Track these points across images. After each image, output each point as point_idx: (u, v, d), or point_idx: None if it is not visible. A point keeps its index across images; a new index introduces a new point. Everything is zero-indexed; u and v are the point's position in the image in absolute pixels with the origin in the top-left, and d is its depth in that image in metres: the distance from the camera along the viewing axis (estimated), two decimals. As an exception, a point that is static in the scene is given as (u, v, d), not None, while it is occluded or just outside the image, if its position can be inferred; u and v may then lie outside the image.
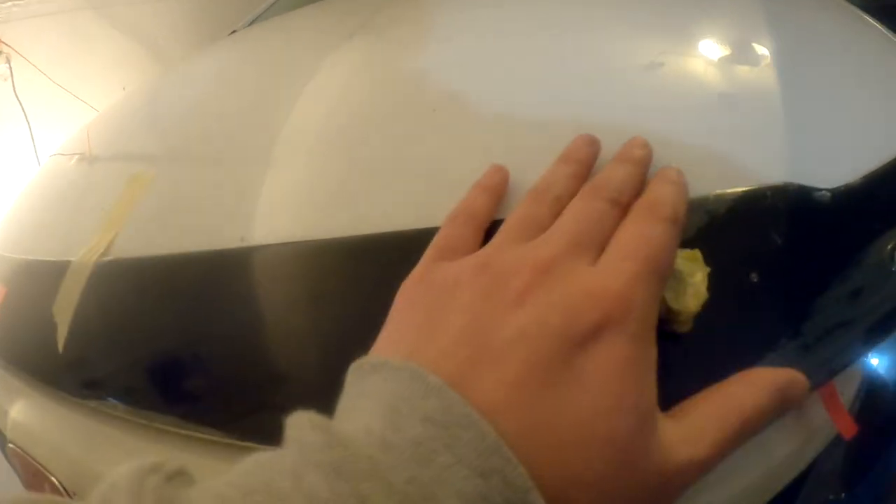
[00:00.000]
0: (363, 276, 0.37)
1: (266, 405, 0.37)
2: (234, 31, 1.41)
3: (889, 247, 0.36)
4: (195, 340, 0.40)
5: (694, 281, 0.28)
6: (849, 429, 0.32)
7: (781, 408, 0.27)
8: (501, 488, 0.19)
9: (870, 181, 0.38)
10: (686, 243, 0.30)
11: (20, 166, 2.16)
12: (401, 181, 0.42)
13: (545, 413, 0.22)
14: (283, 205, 0.45)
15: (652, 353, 0.25)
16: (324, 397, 0.30)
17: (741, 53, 0.48)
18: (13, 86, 2.10)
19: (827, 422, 0.33)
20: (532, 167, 0.34)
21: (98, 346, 0.45)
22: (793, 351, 0.30)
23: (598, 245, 0.27)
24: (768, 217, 0.33)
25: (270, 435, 0.25)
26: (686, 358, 0.28)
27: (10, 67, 2.09)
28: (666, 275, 0.26)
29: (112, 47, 2.17)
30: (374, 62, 0.61)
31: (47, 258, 0.55)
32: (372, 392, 0.23)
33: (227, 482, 0.20)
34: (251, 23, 1.44)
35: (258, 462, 0.21)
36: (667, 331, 0.28)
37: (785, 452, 0.33)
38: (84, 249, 0.49)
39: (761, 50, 0.47)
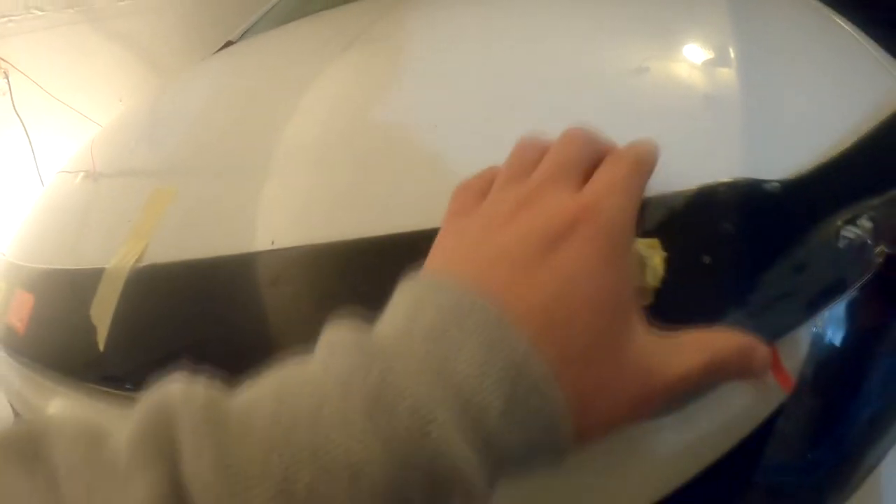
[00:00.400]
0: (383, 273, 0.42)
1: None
2: (228, 41, 1.45)
3: (836, 225, 0.41)
4: (229, 334, 0.46)
5: (653, 263, 0.33)
6: (786, 383, 0.38)
7: (742, 367, 0.33)
8: (504, 354, 0.25)
9: (820, 171, 0.43)
10: (647, 234, 0.36)
11: (22, 180, 2.20)
12: (404, 185, 0.48)
13: (534, 300, 0.27)
14: (305, 209, 0.51)
15: (624, 256, 0.31)
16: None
17: (696, 56, 0.54)
18: (12, 101, 2.14)
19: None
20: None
21: (139, 343, 0.50)
22: (740, 318, 0.36)
23: (577, 176, 0.33)
24: (721, 209, 0.39)
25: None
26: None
27: (9, 82, 2.13)
28: (636, 196, 0.33)
29: (108, 60, 2.21)
30: (372, 73, 0.66)
31: (78, 266, 0.60)
32: (401, 299, 0.29)
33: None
34: (245, 33, 1.48)
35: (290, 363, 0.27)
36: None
37: (740, 405, 0.38)
38: (116, 258, 0.55)
39: (716, 52, 0.53)
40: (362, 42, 0.82)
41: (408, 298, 0.28)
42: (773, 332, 0.37)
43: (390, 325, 0.27)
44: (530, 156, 0.35)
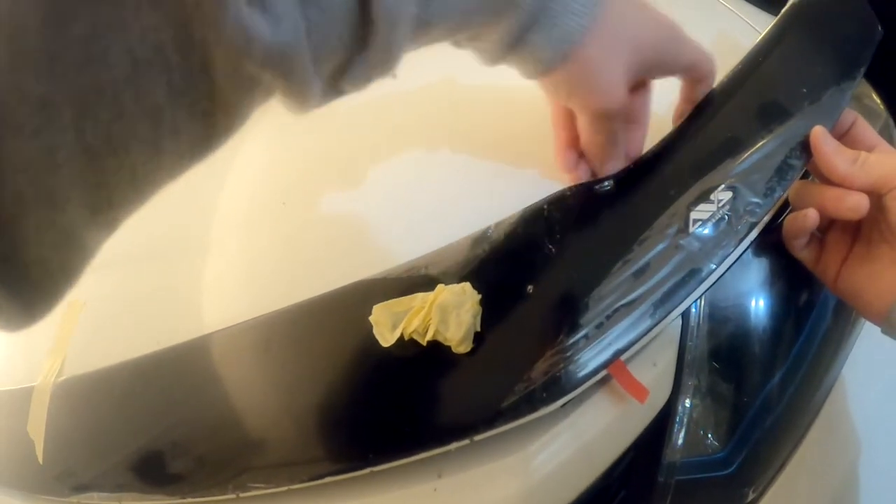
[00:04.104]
0: (248, 355, 0.45)
1: (236, 465, 0.43)
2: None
3: (685, 207, 0.39)
4: (159, 427, 0.48)
5: (459, 312, 0.36)
6: (640, 394, 0.38)
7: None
8: None
9: (658, 154, 0.42)
10: (462, 278, 0.38)
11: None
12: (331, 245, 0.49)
13: None
14: (223, 289, 0.52)
15: None
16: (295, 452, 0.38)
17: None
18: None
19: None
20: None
21: (73, 452, 0.53)
22: (573, 343, 0.36)
23: None
24: (544, 229, 0.40)
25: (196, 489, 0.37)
26: (472, 373, 0.37)
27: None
28: None
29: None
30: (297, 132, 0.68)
31: (12, 387, 0.63)
32: None
33: None
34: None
35: None
36: (454, 353, 0.36)
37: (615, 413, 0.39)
38: (41, 375, 0.58)
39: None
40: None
41: None
42: (620, 347, 0.36)
43: None
44: None
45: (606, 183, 0.41)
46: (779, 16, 0.45)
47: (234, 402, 0.45)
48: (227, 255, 0.55)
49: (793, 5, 0.45)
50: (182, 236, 0.61)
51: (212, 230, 0.60)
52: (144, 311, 0.56)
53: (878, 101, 0.54)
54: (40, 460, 0.54)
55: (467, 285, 0.37)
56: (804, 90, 0.41)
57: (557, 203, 0.41)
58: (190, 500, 0.44)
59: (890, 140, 0.48)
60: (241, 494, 0.41)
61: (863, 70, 0.43)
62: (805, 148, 0.40)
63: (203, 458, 0.44)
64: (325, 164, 0.58)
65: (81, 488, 0.51)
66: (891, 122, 0.52)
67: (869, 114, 0.52)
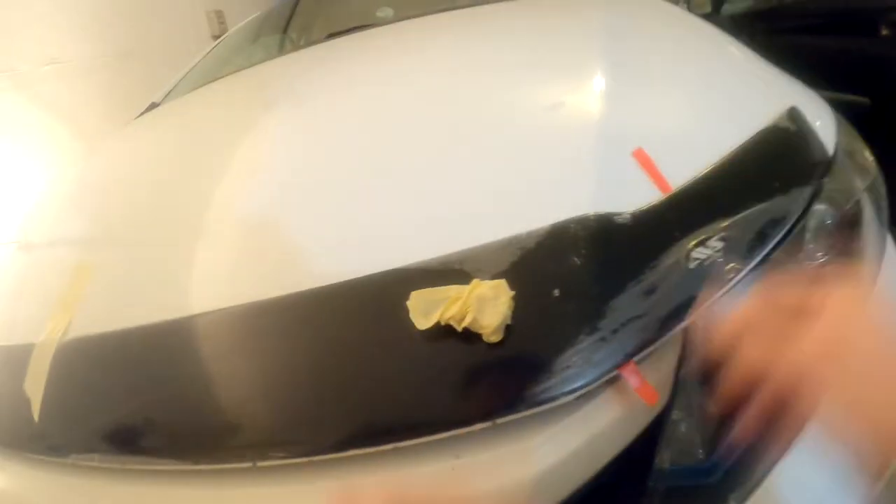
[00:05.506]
0: (288, 329, 0.48)
1: (215, 432, 0.46)
2: (153, 103, 1.48)
3: (687, 248, 0.46)
4: (154, 393, 0.49)
5: (496, 304, 0.39)
6: (649, 396, 0.42)
7: None
8: None
9: (671, 200, 0.49)
10: (495, 276, 0.41)
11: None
12: (321, 244, 0.53)
13: None
14: (216, 275, 0.55)
15: None
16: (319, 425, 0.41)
17: (561, 95, 0.60)
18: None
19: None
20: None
21: (71, 411, 0.53)
22: (592, 344, 0.41)
23: None
24: (570, 244, 0.45)
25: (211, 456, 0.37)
26: (501, 360, 0.40)
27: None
28: None
29: (33, 124, 2.20)
30: (295, 131, 0.71)
31: (15, 343, 0.63)
32: None
33: None
34: (168, 94, 1.51)
35: None
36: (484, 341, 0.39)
37: (609, 419, 0.43)
38: (44, 333, 0.58)
39: (582, 97, 0.59)
40: (282, 102, 0.87)
41: None
42: (627, 353, 0.41)
43: None
44: None
45: (625, 215, 0.47)
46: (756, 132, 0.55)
47: (262, 373, 0.47)
48: (258, 231, 0.58)
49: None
50: (203, 217, 0.64)
51: (238, 208, 0.63)
52: (162, 280, 0.57)
53: (869, 157, 0.61)
54: (36, 418, 0.54)
55: (503, 282, 0.41)
56: (776, 184, 0.51)
57: (583, 223, 0.46)
58: (204, 466, 0.45)
59: (877, 194, 0.55)
60: (260, 463, 0.43)
61: (814, 185, 0.52)
62: (777, 223, 0.48)
63: (221, 424, 0.46)
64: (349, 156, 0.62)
65: (81, 449, 0.51)
66: (880, 178, 0.59)
67: (859, 170, 0.59)
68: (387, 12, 1.46)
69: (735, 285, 0.45)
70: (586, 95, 0.61)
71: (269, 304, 0.49)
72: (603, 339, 0.42)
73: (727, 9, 3.47)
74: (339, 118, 0.74)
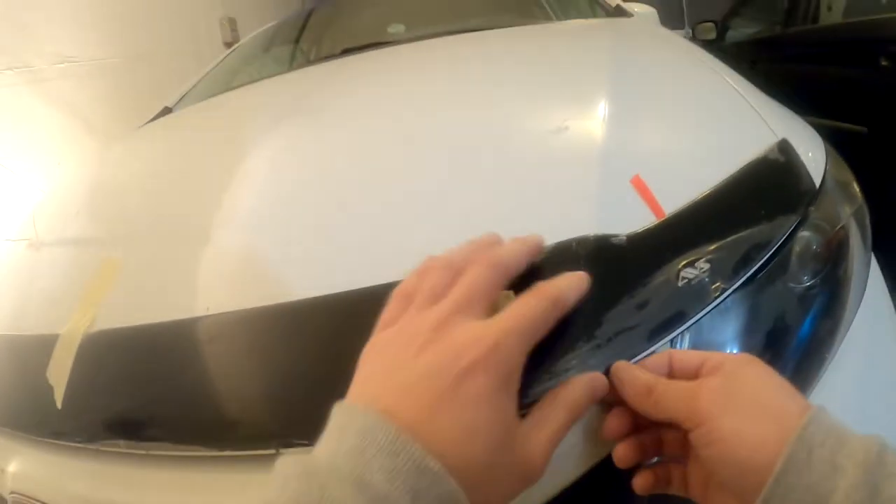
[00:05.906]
0: (302, 333, 0.51)
1: (232, 421, 0.49)
2: (166, 108, 1.52)
3: (677, 268, 0.50)
4: (174, 385, 0.53)
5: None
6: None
7: (593, 398, 0.42)
8: (406, 457, 0.32)
9: (664, 225, 0.53)
10: (506, 287, 0.45)
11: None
12: (332, 252, 0.56)
13: (446, 423, 0.34)
14: (236, 276, 0.59)
15: (515, 381, 0.38)
16: (277, 420, 0.43)
17: (566, 120, 0.64)
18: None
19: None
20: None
21: (93, 401, 0.56)
22: (589, 350, 0.44)
23: (483, 304, 0.40)
24: (571, 261, 0.49)
25: (237, 444, 0.40)
26: None
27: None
28: (533, 337, 0.39)
29: (46, 122, 2.24)
30: (305, 142, 0.75)
31: (33, 332, 0.66)
32: (333, 423, 0.35)
33: None
34: (181, 99, 1.55)
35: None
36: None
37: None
38: (69, 324, 0.61)
39: (585, 122, 0.63)
40: (294, 115, 0.91)
41: (338, 422, 0.35)
42: (624, 357, 0.44)
43: (325, 447, 0.33)
44: (441, 280, 0.41)
45: (621, 237, 0.52)
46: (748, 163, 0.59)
47: (288, 364, 0.50)
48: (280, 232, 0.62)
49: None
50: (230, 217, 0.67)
51: (245, 217, 0.67)
52: (181, 281, 0.61)
53: (857, 187, 0.66)
54: (59, 405, 0.57)
55: (511, 292, 0.44)
56: (763, 212, 0.55)
57: (583, 243, 0.50)
58: (228, 453, 0.48)
59: (861, 224, 0.58)
60: (283, 451, 0.45)
61: (800, 213, 0.56)
62: (762, 248, 0.52)
63: (246, 412, 0.49)
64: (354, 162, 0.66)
65: (94, 431, 0.55)
66: (864, 207, 0.62)
67: (847, 198, 0.62)
68: (398, 28, 1.50)
69: (720, 303, 0.50)
70: (589, 121, 0.65)
71: (282, 307, 0.53)
72: (598, 346, 0.45)
73: (731, 36, 3.55)
74: (347, 137, 0.79)
